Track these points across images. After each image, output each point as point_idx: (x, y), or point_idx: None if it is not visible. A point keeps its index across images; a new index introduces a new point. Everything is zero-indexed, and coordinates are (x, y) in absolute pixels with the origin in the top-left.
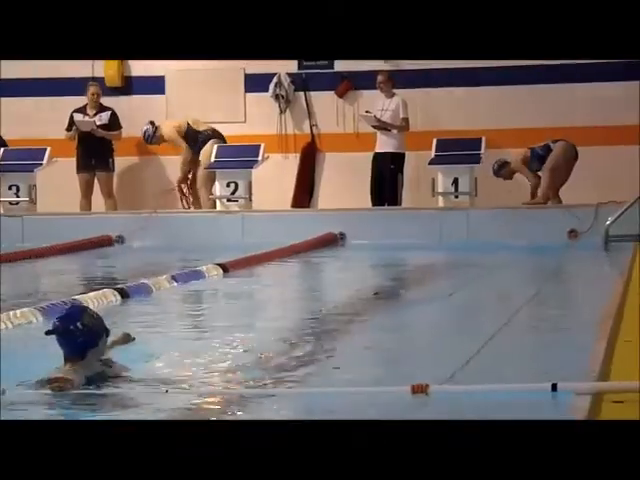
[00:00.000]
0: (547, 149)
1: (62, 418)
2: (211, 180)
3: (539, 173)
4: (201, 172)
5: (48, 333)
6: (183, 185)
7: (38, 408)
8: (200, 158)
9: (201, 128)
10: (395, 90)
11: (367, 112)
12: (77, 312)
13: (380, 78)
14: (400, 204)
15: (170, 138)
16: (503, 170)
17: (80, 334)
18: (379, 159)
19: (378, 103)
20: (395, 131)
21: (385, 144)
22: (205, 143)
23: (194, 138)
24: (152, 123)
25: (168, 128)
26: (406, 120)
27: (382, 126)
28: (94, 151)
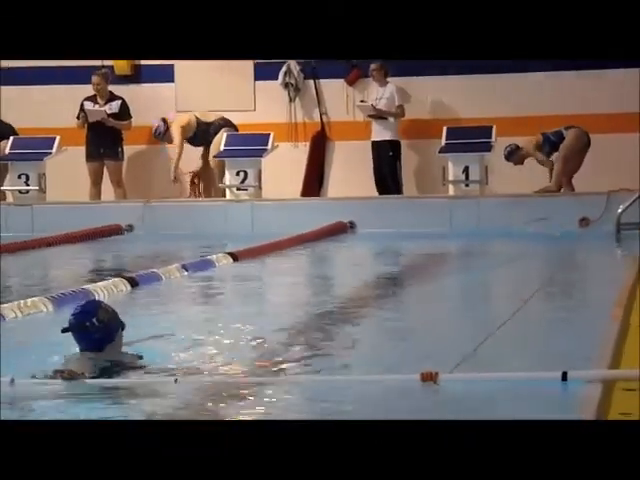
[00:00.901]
0: (560, 136)
1: (71, 409)
2: (221, 169)
3: (551, 159)
4: (212, 161)
5: (64, 331)
6: (195, 177)
7: (47, 399)
8: (211, 147)
9: (211, 119)
10: (404, 78)
11: (362, 102)
12: (92, 308)
13: (373, 67)
14: (402, 191)
15: (175, 140)
16: (514, 155)
17: (96, 330)
18: (378, 148)
19: (372, 92)
20: (391, 119)
21: (381, 133)
22: (217, 133)
23: (205, 131)
24: (164, 120)
25: (175, 127)
26: (401, 107)
27: (379, 114)
28: (103, 140)
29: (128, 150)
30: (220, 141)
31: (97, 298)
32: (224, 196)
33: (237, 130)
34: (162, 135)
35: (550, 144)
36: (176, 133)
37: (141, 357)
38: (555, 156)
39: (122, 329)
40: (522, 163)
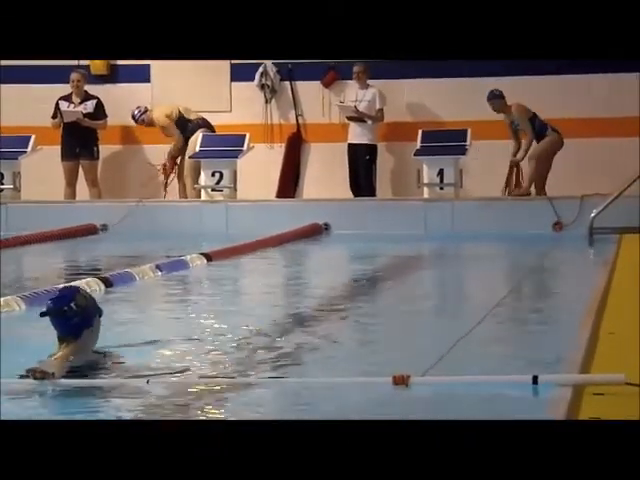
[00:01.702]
0: (543, 129)
1: (43, 409)
2: (197, 169)
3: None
4: (187, 161)
5: (42, 315)
6: (170, 171)
7: (20, 399)
8: (188, 147)
9: (192, 117)
10: (381, 81)
11: (341, 102)
12: (70, 293)
13: (357, 68)
14: (375, 194)
15: (161, 123)
16: (498, 100)
17: (74, 314)
18: (354, 151)
19: (351, 94)
20: (370, 122)
21: (359, 135)
22: (194, 132)
23: (184, 126)
24: (145, 108)
25: (159, 113)
26: (381, 111)
27: (359, 117)
28: (79, 139)
29: (103, 150)
30: (196, 141)
31: None
32: (199, 197)
33: (214, 132)
34: (139, 116)
35: (534, 128)
36: (164, 120)
37: (116, 356)
38: (526, 159)
39: (100, 315)
40: (500, 112)
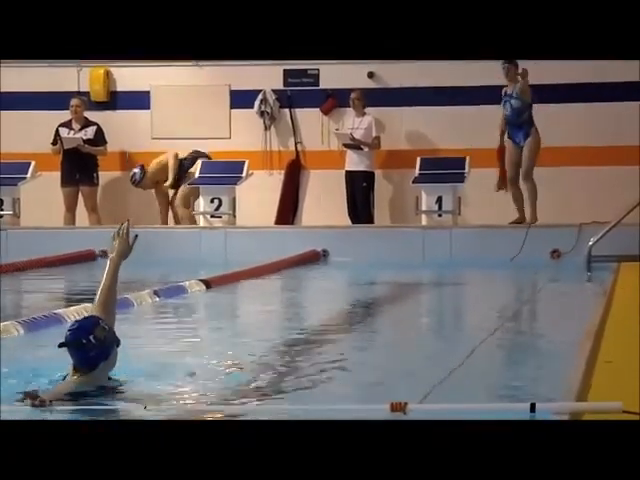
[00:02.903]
0: (531, 124)
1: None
2: (192, 196)
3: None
4: (181, 190)
5: (61, 346)
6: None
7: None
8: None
9: (185, 155)
10: (379, 108)
11: (337, 130)
12: (90, 325)
13: (355, 95)
14: (373, 222)
15: (156, 170)
16: (513, 67)
17: (92, 347)
18: (351, 178)
19: (348, 121)
20: (366, 149)
21: (356, 163)
22: (191, 166)
23: (180, 167)
24: (142, 167)
25: (153, 166)
26: (378, 139)
27: (356, 144)
28: (78, 165)
29: (103, 176)
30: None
31: (68, 323)
32: (194, 222)
33: (210, 158)
34: (138, 182)
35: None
36: (156, 169)
37: (121, 384)
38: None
39: (117, 345)
40: (509, 79)
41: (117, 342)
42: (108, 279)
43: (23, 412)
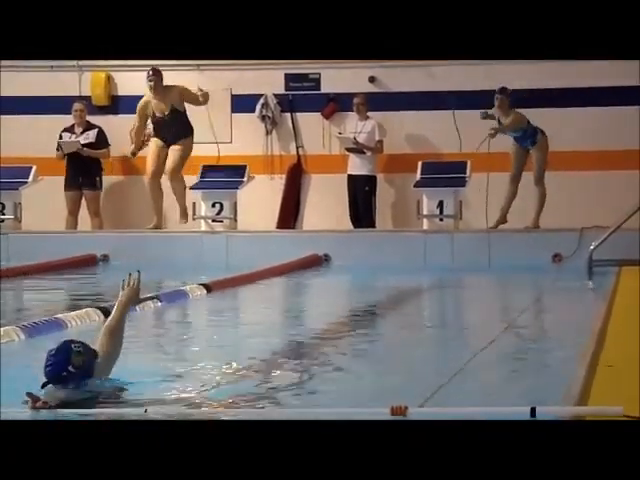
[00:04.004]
0: (534, 134)
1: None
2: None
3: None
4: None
5: (44, 385)
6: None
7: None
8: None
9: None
10: (381, 113)
11: (340, 134)
12: (64, 357)
13: (358, 99)
14: (375, 226)
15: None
16: (506, 99)
17: (74, 376)
18: (354, 182)
19: (351, 125)
20: (369, 153)
21: (359, 167)
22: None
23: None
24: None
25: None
26: (381, 142)
27: (358, 148)
28: (82, 169)
29: (104, 180)
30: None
31: (69, 328)
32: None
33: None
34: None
35: (525, 137)
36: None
37: (121, 387)
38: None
39: (96, 358)
40: (501, 110)
41: (95, 355)
42: (114, 320)
43: (24, 414)
